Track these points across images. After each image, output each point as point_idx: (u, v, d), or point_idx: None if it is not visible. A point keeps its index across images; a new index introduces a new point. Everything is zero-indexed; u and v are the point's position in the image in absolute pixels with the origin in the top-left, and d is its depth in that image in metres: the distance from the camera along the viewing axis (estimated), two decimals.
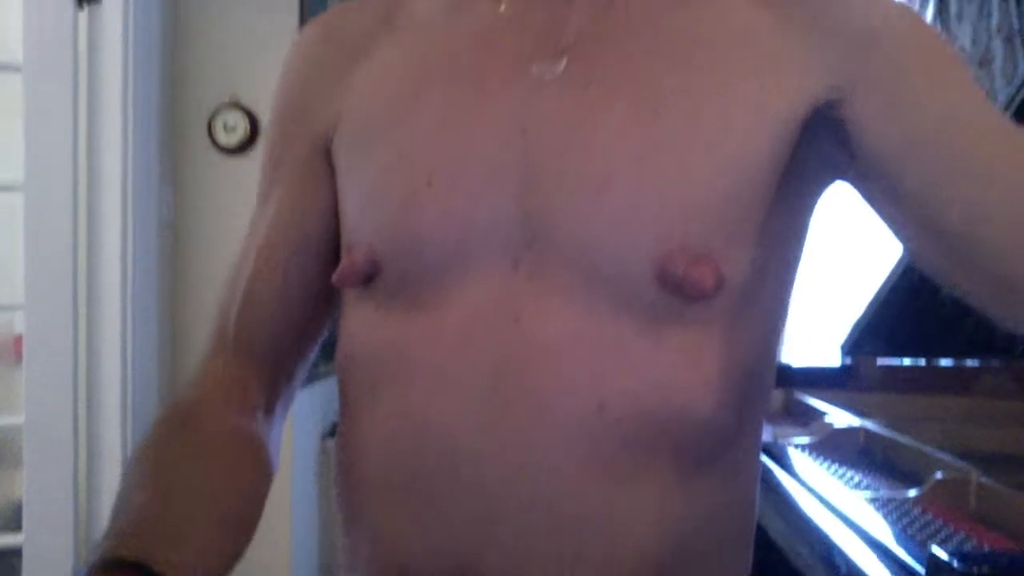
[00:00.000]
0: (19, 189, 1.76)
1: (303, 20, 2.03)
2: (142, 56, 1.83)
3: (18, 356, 2.07)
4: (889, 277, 1.76)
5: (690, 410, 0.53)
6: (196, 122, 2.02)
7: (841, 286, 3.15)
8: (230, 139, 2.01)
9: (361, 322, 0.60)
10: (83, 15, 1.78)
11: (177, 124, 2.02)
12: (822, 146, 0.54)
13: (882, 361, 1.89)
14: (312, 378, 2.06)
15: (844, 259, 3.17)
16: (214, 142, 2.01)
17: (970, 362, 1.91)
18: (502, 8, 0.58)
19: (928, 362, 1.96)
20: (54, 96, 1.74)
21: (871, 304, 1.81)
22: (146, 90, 1.85)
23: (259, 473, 0.60)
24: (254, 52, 2.02)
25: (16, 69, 1.75)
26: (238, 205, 2.11)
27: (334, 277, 0.59)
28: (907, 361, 2.00)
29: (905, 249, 0.55)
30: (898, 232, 0.54)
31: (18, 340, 2.08)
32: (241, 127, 2.01)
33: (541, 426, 0.52)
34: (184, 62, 2.02)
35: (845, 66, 0.52)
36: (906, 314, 1.77)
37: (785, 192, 0.54)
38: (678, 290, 0.51)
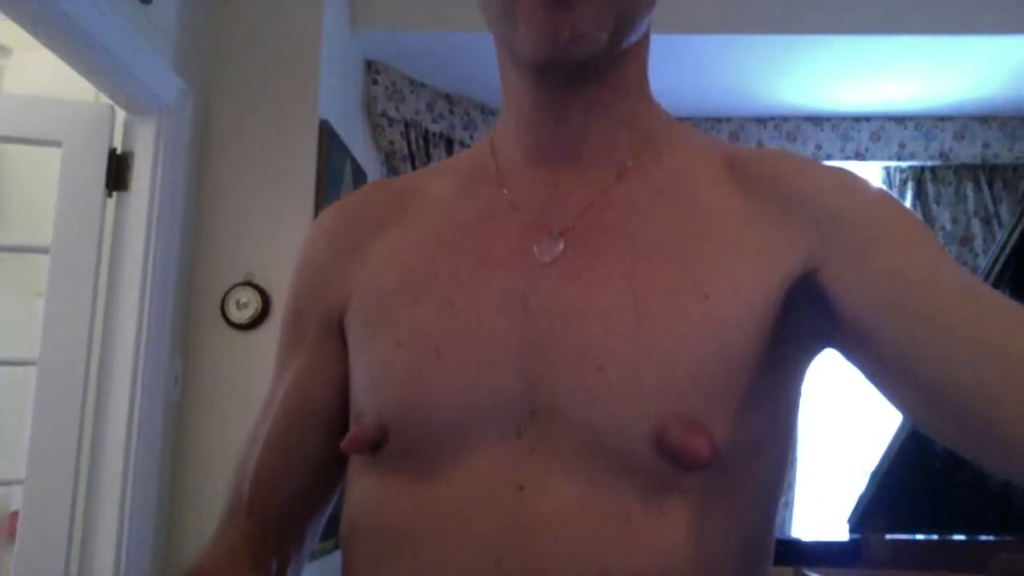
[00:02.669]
0: (33, 364, 1.80)
1: (318, 204, 2.14)
2: (163, 238, 1.93)
3: (11, 534, 2.03)
4: (888, 450, 1.76)
5: None
6: (210, 300, 2.08)
7: (852, 459, 3.12)
8: (242, 315, 2.06)
9: (366, 492, 0.61)
10: (111, 201, 1.90)
11: (192, 302, 2.08)
12: (807, 315, 0.57)
13: (892, 536, 1.84)
14: (312, 555, 2.01)
15: (853, 432, 3.15)
16: (226, 318, 2.07)
17: (983, 537, 1.87)
18: (505, 192, 0.64)
19: (940, 537, 1.91)
20: (77, 277, 1.82)
21: (873, 478, 1.80)
22: (164, 270, 1.93)
23: None
24: (270, 233, 2.11)
25: (44, 251, 1.84)
26: (245, 377, 2.14)
27: (343, 443, 0.61)
28: (918, 536, 1.95)
29: (896, 407, 0.56)
30: (885, 392, 0.55)
31: (13, 516, 2.05)
32: (253, 305, 2.06)
33: None
34: (202, 243, 2.11)
35: (816, 240, 0.56)
36: (913, 488, 1.75)
37: (775, 361, 0.57)
38: (675, 459, 0.53)
